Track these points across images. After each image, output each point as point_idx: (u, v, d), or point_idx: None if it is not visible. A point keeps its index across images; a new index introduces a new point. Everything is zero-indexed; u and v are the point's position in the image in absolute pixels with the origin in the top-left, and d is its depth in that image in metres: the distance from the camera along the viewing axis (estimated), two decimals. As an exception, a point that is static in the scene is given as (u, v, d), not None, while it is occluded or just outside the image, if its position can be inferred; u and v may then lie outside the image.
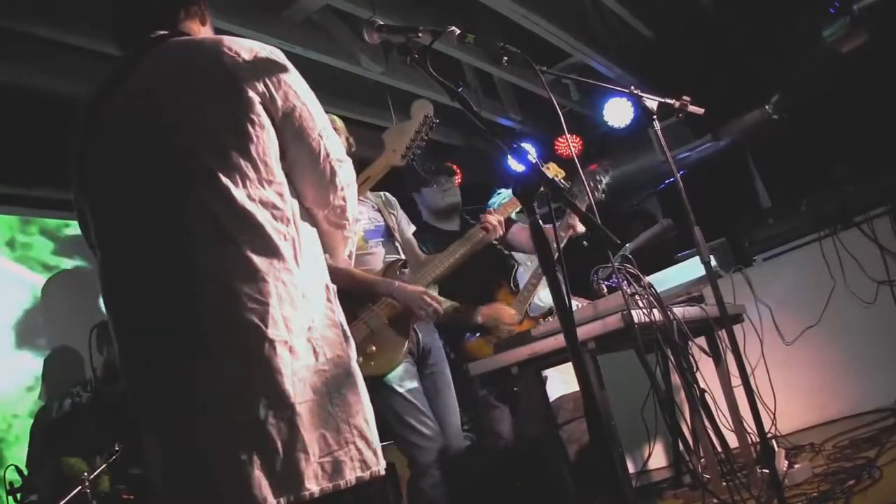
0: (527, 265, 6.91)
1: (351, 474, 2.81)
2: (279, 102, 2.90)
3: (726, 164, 9.56)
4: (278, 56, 3.02)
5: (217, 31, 5.63)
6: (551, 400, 6.13)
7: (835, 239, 6.90)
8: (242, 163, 2.80)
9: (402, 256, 5.27)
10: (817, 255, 6.96)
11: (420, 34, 3.26)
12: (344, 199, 3.15)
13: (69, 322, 7.66)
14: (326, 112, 3.23)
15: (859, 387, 6.76)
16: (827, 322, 6.91)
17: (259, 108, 2.84)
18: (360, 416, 2.92)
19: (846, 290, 6.82)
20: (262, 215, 2.79)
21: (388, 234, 5.35)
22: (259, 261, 2.74)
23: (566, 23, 8.39)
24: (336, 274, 3.36)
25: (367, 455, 2.89)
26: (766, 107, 9.00)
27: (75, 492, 5.52)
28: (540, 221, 2.80)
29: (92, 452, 6.01)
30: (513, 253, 6.53)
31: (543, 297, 6.55)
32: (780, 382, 6.05)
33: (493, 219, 5.31)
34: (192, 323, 2.75)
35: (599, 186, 6.11)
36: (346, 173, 3.14)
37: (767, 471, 4.38)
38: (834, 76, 8.39)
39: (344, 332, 3.01)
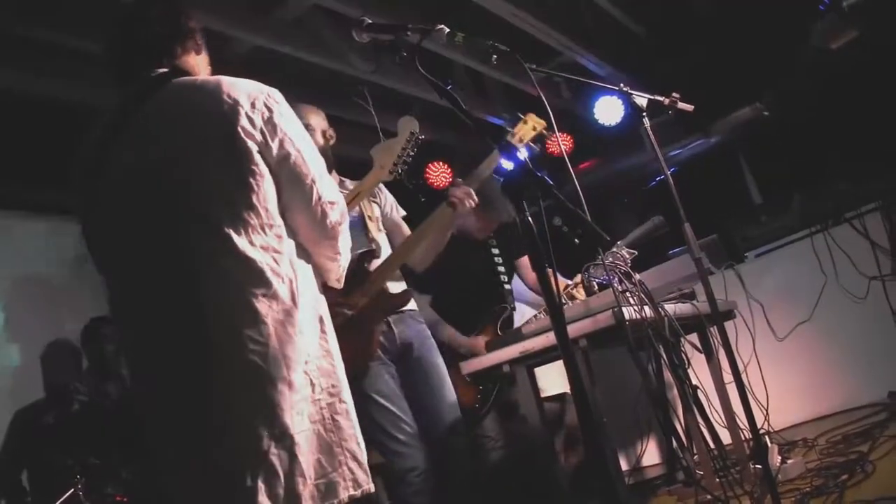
0: (523, 315, 6.81)
1: (344, 493, 3.01)
2: (274, 150, 3.01)
3: (718, 161, 9.58)
4: (275, 100, 3.11)
5: (208, 32, 5.65)
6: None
7: (826, 235, 6.92)
8: (244, 212, 2.94)
9: (373, 246, 5.16)
10: (809, 251, 6.98)
11: (409, 33, 3.26)
12: (335, 238, 3.28)
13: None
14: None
15: (852, 382, 6.79)
16: (819, 318, 6.93)
17: (257, 157, 2.97)
18: (352, 440, 3.13)
19: (838, 286, 6.84)
20: (264, 260, 2.94)
21: (362, 225, 5.26)
22: (260, 305, 2.90)
23: (557, 21, 8.39)
24: None
25: (358, 475, 3.09)
26: (757, 104, 9.02)
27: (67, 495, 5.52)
28: (530, 220, 2.79)
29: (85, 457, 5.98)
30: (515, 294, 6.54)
31: None
32: (773, 378, 6.05)
33: (460, 191, 5.06)
34: (202, 366, 2.92)
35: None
36: (336, 214, 3.24)
37: (760, 466, 4.37)
38: (824, 73, 8.40)
39: (335, 359, 3.19)
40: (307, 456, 2.91)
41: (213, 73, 3.39)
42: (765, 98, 8.99)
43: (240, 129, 2.92)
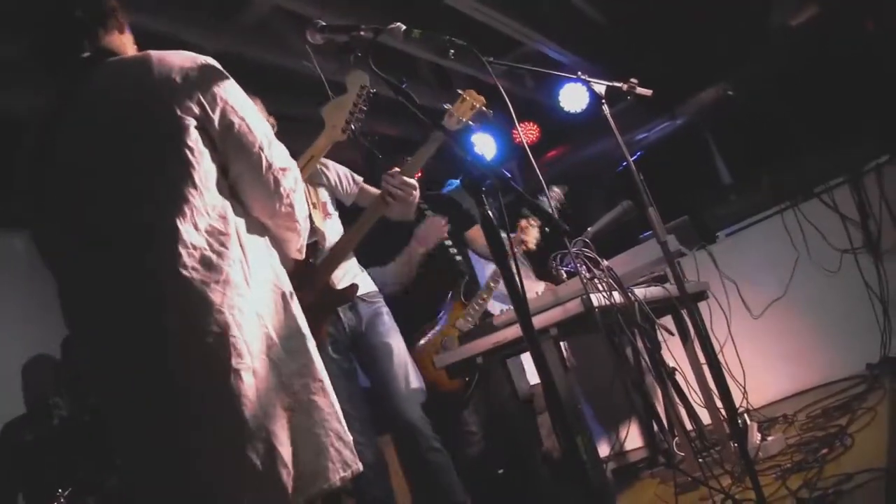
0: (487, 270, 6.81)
1: (335, 476, 2.93)
2: (216, 121, 2.92)
3: (685, 142, 9.61)
4: (211, 69, 3.02)
5: (169, 39, 5.65)
6: (531, 384, 6.13)
7: (796, 211, 6.94)
8: (186, 193, 2.84)
9: (316, 238, 5.06)
10: (780, 227, 7.01)
11: (363, 32, 3.26)
12: (291, 206, 3.17)
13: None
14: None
15: (829, 355, 6.80)
16: (793, 294, 6.95)
17: (194, 133, 2.88)
18: (333, 419, 3.01)
19: (810, 260, 6.86)
20: (210, 245, 2.84)
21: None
22: (212, 292, 2.80)
23: (517, 12, 8.40)
24: None
25: (345, 455, 3.01)
26: (722, 84, 9.05)
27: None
28: (490, 214, 2.80)
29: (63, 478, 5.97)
30: (476, 257, 6.49)
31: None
32: (750, 356, 6.09)
33: (395, 181, 4.94)
34: (163, 366, 2.81)
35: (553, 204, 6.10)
36: (290, 180, 3.16)
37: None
38: (787, 50, 8.43)
39: (304, 336, 3.07)
40: (286, 445, 2.81)
41: None
42: (729, 78, 9.02)
43: (175, 106, 2.85)
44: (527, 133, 10.14)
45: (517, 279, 2.72)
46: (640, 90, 4.59)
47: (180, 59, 2.97)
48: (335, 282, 4.83)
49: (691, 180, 8.98)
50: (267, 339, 2.90)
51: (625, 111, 4.95)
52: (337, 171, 5.44)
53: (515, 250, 6.01)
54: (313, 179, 5.24)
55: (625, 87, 4.58)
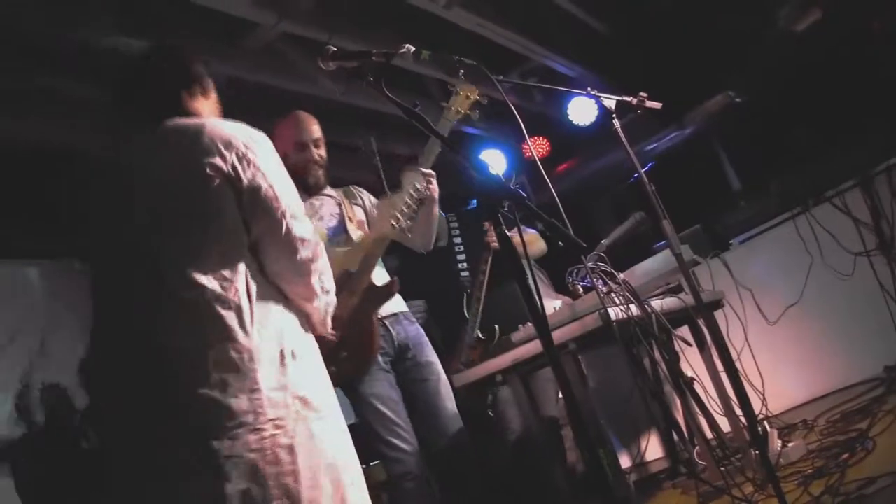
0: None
1: None
2: (245, 182, 3.02)
3: (694, 151, 9.59)
4: (255, 139, 3.14)
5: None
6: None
7: (808, 216, 6.96)
8: (201, 242, 2.98)
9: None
10: (792, 233, 7.02)
11: (374, 57, 3.29)
12: (307, 274, 3.23)
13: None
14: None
15: (846, 359, 6.81)
16: (808, 299, 6.96)
17: (222, 193, 3.00)
18: (289, 476, 2.95)
19: (824, 265, 6.87)
20: (211, 287, 2.93)
21: (342, 228, 5.28)
22: (203, 331, 2.91)
23: (521, 27, 8.40)
24: None
25: None
26: (728, 91, 9.04)
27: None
28: (506, 231, 2.82)
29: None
30: None
31: None
32: (768, 363, 6.09)
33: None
34: (160, 395, 2.92)
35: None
36: (307, 251, 3.21)
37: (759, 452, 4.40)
38: (792, 54, 8.43)
39: (288, 394, 3.03)
40: (234, 482, 2.81)
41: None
42: (735, 84, 9.02)
43: (206, 165, 2.96)
44: (537, 147, 10.13)
45: (536, 296, 2.74)
46: (649, 103, 4.61)
47: (232, 128, 3.12)
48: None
49: (702, 189, 8.97)
50: (252, 382, 2.93)
51: (633, 122, 4.96)
52: (369, 198, 5.61)
53: (533, 266, 6.10)
54: (351, 199, 5.45)
55: (634, 101, 4.60)
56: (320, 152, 5.34)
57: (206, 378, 2.83)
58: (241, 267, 3.03)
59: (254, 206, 3.05)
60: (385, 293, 4.93)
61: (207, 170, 2.96)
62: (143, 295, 2.99)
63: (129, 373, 2.97)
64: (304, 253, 3.19)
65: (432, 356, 5.22)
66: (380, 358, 4.96)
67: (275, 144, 3.20)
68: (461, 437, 5.03)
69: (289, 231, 3.12)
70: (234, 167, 3.00)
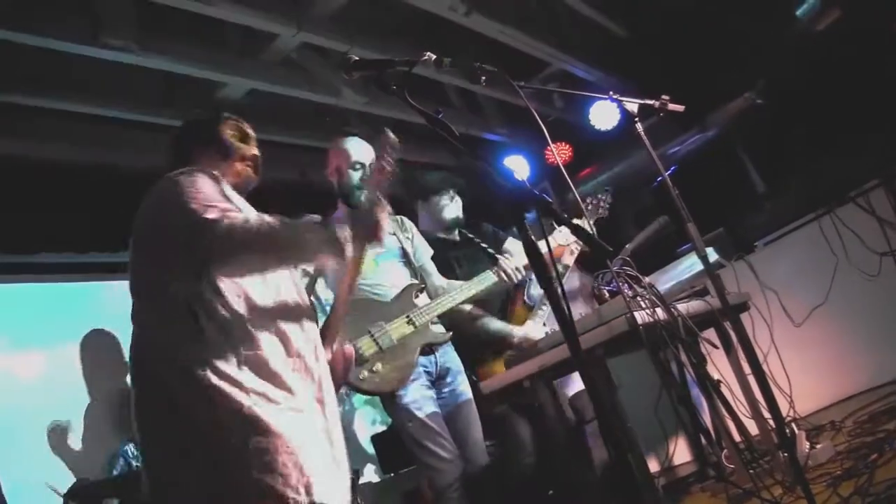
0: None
1: None
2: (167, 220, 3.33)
3: (717, 153, 9.56)
4: (170, 178, 3.40)
5: (196, 80, 5.78)
6: (573, 393, 6.15)
7: (832, 216, 6.94)
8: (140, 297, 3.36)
9: (417, 280, 5.36)
10: (817, 234, 7.00)
11: (396, 66, 3.30)
12: (234, 248, 3.26)
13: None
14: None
15: (873, 360, 6.78)
16: (834, 299, 6.94)
17: (150, 237, 3.40)
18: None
19: (849, 265, 6.85)
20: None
21: (405, 257, 5.50)
22: None
23: (541, 33, 8.41)
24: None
25: None
26: (749, 93, 9.01)
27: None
28: (533, 237, 2.82)
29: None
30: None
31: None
32: (794, 365, 6.06)
33: (509, 267, 5.44)
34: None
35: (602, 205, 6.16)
36: (219, 229, 3.23)
37: (788, 454, 4.39)
38: (812, 55, 8.40)
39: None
40: None
41: None
42: (756, 86, 8.99)
43: (143, 210, 3.39)
44: (559, 153, 10.11)
45: (563, 301, 2.74)
46: (671, 106, 4.60)
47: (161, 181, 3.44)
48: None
49: (725, 191, 8.94)
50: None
51: (656, 126, 4.95)
52: (417, 236, 5.83)
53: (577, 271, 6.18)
54: (404, 231, 5.70)
55: (657, 104, 4.59)
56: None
57: None
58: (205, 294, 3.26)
59: (177, 239, 3.29)
60: (437, 342, 5.30)
61: (142, 217, 3.41)
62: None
63: None
64: (218, 230, 3.30)
65: (466, 384, 5.44)
66: (424, 376, 5.16)
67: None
68: (484, 463, 5.20)
69: (197, 224, 3.27)
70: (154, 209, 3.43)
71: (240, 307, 3.17)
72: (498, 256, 5.64)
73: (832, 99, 7.95)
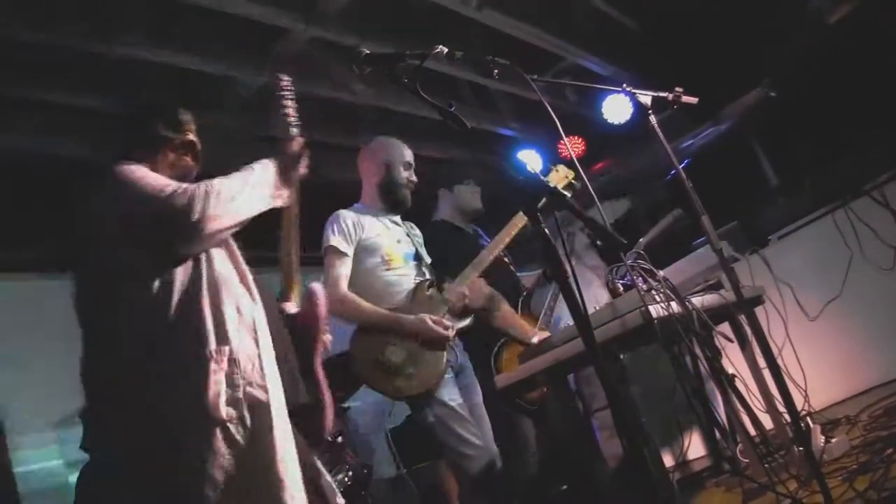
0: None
1: None
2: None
3: (730, 147, 9.54)
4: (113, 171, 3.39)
5: (206, 74, 5.80)
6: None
7: (847, 210, 6.90)
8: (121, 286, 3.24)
9: (428, 277, 5.42)
10: (831, 227, 6.97)
11: (408, 59, 3.28)
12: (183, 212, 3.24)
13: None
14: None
15: (889, 354, 6.76)
16: (848, 293, 6.91)
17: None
18: None
19: (864, 258, 6.82)
20: None
21: (418, 258, 5.58)
22: None
23: (554, 27, 8.39)
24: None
25: None
26: (762, 86, 8.98)
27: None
28: (546, 231, 2.81)
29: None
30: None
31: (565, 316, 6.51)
32: (809, 359, 6.02)
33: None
34: None
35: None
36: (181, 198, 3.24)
37: (803, 449, 4.36)
38: (825, 48, 8.37)
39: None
40: None
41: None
42: (769, 79, 8.96)
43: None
44: (572, 147, 10.08)
45: (578, 294, 2.73)
46: (685, 98, 4.57)
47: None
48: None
49: (738, 184, 8.92)
50: None
51: (669, 120, 4.93)
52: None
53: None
54: (416, 237, 5.78)
55: (670, 96, 4.56)
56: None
57: None
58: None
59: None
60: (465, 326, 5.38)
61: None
62: None
63: None
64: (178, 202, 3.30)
65: (478, 385, 5.52)
66: (449, 369, 5.19)
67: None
68: (497, 455, 5.17)
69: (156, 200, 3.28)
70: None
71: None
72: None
73: (846, 92, 7.92)
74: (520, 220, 5.49)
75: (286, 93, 3.84)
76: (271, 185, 3.48)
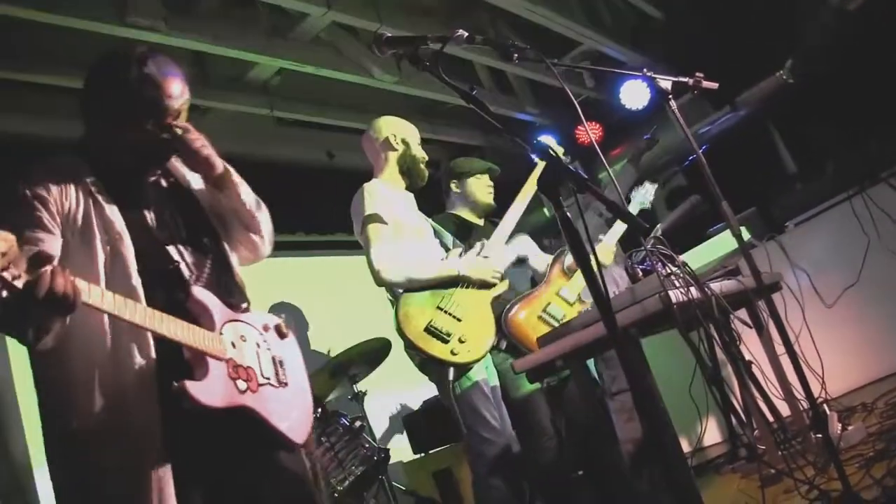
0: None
1: None
2: None
3: (748, 133, 9.52)
4: None
5: (225, 59, 5.80)
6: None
7: (864, 196, 6.87)
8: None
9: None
10: (848, 214, 6.94)
11: (429, 42, 3.28)
12: None
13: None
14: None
15: (905, 341, 6.74)
16: (866, 280, 6.89)
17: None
18: None
19: (881, 245, 6.79)
20: None
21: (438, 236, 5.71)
22: None
23: (573, 12, 8.40)
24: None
25: None
26: (781, 72, 8.97)
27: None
28: (568, 214, 2.81)
29: None
30: None
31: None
32: (826, 345, 6.01)
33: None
34: None
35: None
36: None
37: (821, 435, 4.36)
38: (845, 35, 8.35)
39: None
40: None
41: None
42: (788, 65, 8.95)
43: None
44: (591, 132, 10.07)
45: (600, 279, 2.73)
46: (705, 83, 4.55)
47: None
48: None
49: (756, 171, 8.91)
50: None
51: (687, 105, 4.91)
52: None
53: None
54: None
55: (691, 81, 4.54)
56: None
57: None
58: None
59: None
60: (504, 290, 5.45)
61: None
62: None
63: None
64: None
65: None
66: None
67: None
68: (514, 439, 5.23)
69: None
70: None
71: None
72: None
73: (864, 78, 7.90)
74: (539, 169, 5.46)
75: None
76: None
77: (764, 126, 9.66)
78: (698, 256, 7.15)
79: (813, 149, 8.53)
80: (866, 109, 7.77)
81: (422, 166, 5.62)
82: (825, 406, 5.40)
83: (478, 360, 5.04)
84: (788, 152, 9.49)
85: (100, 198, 3.16)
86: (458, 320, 5.02)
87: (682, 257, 4.65)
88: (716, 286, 4.61)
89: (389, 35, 3.42)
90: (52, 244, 2.99)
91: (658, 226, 6.32)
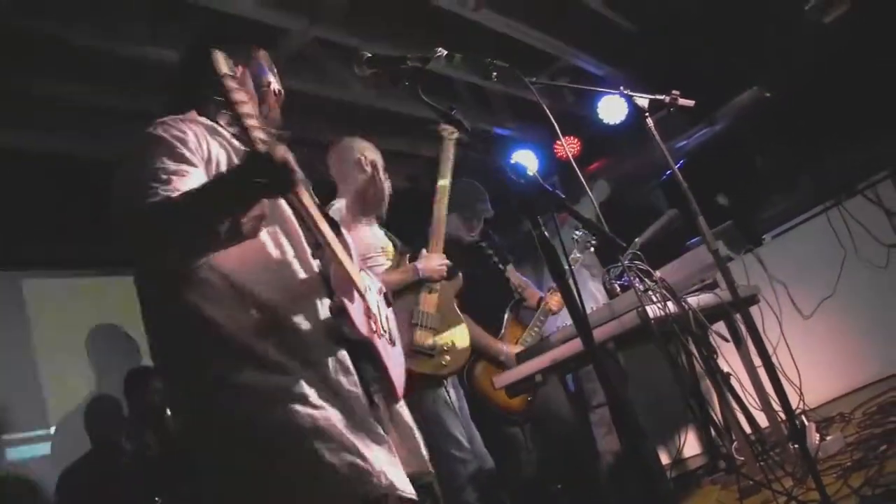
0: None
1: None
2: None
3: (725, 147, 9.56)
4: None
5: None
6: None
7: (840, 208, 6.94)
8: None
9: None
10: (825, 226, 7.01)
11: (409, 62, 3.31)
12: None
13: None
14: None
15: (882, 351, 6.79)
16: (843, 291, 6.95)
17: None
18: None
19: (857, 257, 6.86)
20: None
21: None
22: None
23: (550, 27, 8.42)
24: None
25: None
26: (755, 87, 9.02)
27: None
28: (546, 234, 2.84)
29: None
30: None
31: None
32: (804, 357, 6.06)
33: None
34: None
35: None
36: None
37: (799, 446, 4.40)
38: (820, 48, 8.40)
39: None
40: None
41: None
42: (764, 80, 9.00)
43: None
44: (568, 147, 10.08)
45: (577, 296, 2.77)
46: (682, 101, 4.60)
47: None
48: None
49: (734, 184, 8.95)
50: None
51: (664, 120, 4.93)
52: None
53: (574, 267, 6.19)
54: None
55: (667, 99, 4.59)
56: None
57: None
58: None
59: None
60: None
61: None
62: None
63: None
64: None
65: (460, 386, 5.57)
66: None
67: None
68: (489, 463, 5.24)
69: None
70: None
71: None
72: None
73: (840, 91, 7.95)
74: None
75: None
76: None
77: (740, 139, 9.70)
78: (677, 270, 7.19)
79: (789, 162, 8.57)
80: (842, 123, 7.82)
81: (385, 197, 5.52)
82: (803, 417, 5.44)
83: (467, 361, 5.10)
84: (765, 165, 9.54)
85: (235, 143, 3.08)
86: (435, 330, 5.03)
87: (661, 270, 4.70)
88: (693, 300, 4.66)
89: (370, 55, 3.45)
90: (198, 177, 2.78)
91: (636, 240, 6.36)
